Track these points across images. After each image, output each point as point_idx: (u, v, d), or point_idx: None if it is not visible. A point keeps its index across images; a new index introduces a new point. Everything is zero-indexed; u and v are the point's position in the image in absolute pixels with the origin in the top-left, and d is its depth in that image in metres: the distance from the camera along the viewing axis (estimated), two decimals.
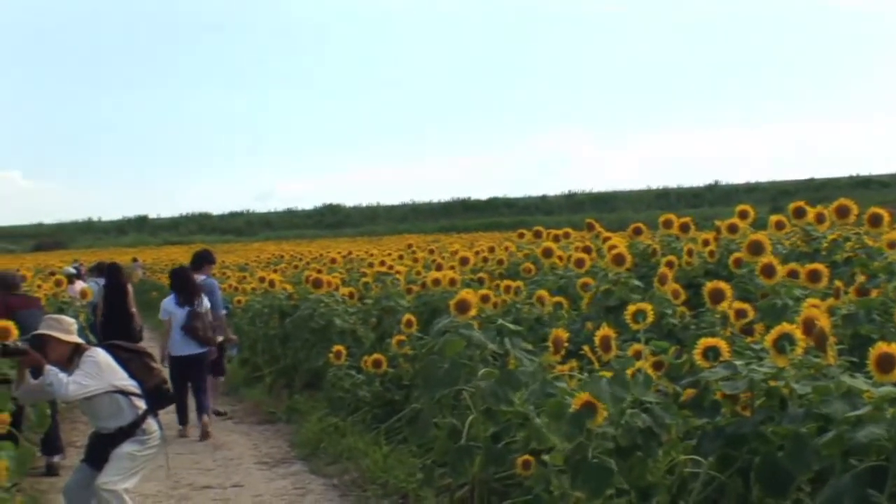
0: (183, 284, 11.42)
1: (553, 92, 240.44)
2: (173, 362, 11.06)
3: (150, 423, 6.68)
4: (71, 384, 6.29)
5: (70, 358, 6.58)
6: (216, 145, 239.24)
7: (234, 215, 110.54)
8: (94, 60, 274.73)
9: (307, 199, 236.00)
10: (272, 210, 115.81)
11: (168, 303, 11.36)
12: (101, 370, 6.47)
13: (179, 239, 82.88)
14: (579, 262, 9.80)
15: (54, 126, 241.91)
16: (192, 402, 11.30)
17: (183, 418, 11.28)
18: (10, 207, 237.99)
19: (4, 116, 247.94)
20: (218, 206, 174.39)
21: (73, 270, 19.36)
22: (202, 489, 8.84)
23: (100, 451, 6.67)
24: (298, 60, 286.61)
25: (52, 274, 19.18)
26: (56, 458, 9.46)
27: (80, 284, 15.06)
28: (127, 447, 6.56)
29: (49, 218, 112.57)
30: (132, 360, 6.78)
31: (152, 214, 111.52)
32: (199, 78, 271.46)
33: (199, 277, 11.92)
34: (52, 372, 6.29)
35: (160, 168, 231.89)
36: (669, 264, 8.26)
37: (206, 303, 11.39)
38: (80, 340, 6.71)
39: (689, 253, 9.12)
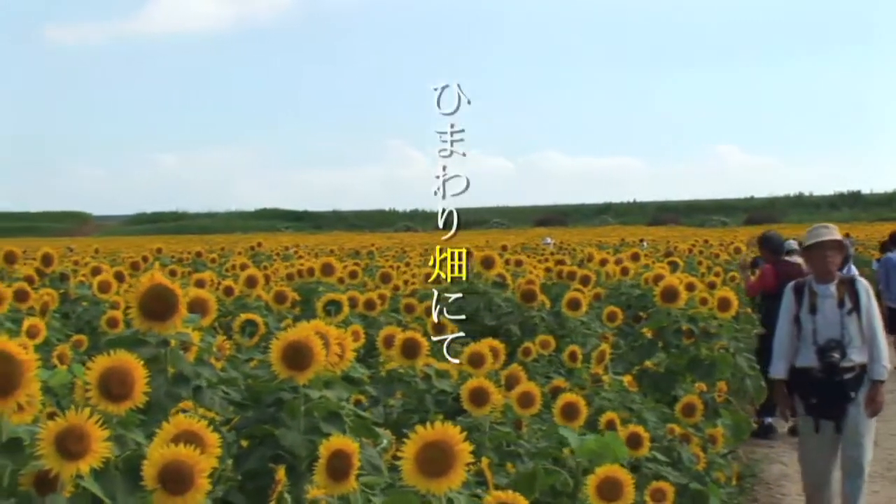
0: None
1: None
2: None
3: None
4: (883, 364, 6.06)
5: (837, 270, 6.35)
6: None
7: None
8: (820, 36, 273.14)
9: None
10: None
11: None
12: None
13: (892, 215, 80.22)
14: None
15: (772, 101, 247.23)
16: None
17: None
18: (724, 180, 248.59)
19: (730, 93, 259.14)
20: None
21: (794, 245, 20.90)
22: None
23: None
24: None
25: None
26: (769, 420, 9.47)
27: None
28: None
29: (761, 192, 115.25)
30: None
31: (865, 190, 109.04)
32: None
33: None
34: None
35: (875, 142, 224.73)
36: None
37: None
38: None
39: None
